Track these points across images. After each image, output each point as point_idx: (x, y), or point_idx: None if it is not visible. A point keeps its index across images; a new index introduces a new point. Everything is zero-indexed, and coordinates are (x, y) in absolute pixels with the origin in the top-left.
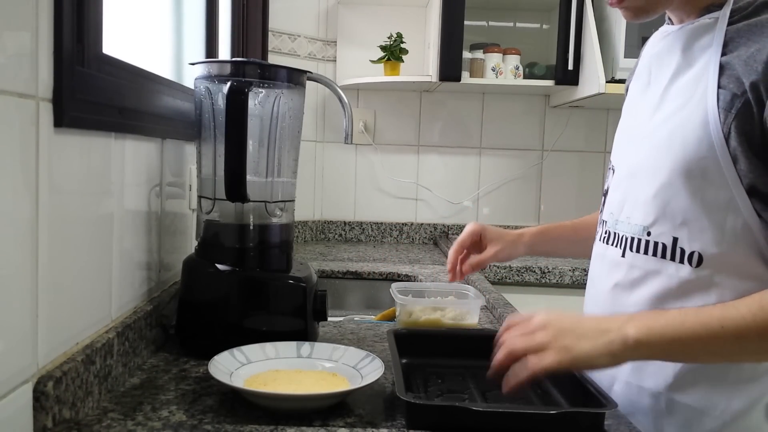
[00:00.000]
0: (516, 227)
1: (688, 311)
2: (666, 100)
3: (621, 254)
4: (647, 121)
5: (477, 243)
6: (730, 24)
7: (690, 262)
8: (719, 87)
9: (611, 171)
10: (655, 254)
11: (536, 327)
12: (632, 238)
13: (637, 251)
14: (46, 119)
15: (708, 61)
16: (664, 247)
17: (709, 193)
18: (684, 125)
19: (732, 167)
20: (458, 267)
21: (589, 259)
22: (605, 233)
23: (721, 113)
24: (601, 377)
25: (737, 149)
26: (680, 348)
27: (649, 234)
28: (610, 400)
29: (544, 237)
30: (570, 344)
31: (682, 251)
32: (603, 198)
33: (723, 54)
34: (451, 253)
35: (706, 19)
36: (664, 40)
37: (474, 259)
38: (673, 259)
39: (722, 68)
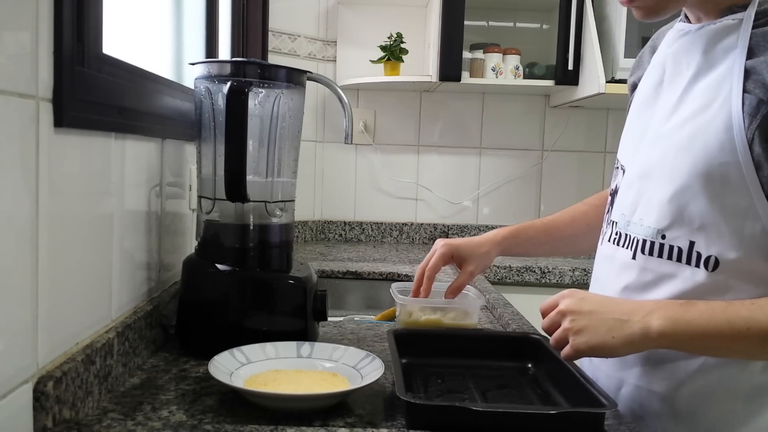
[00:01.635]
0: None
1: (716, 306)
2: (685, 101)
3: (632, 256)
4: (663, 121)
5: (449, 262)
6: (755, 27)
7: (706, 266)
8: (744, 91)
9: (620, 171)
10: (670, 257)
11: (560, 313)
12: (644, 241)
13: (650, 254)
14: (46, 119)
15: (732, 64)
16: (680, 250)
17: (729, 198)
18: (706, 128)
19: (754, 173)
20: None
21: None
22: (615, 234)
23: (746, 118)
24: (608, 380)
25: (761, 155)
26: (703, 343)
27: (663, 237)
28: (610, 400)
29: (516, 240)
30: (590, 335)
31: (699, 255)
32: (610, 198)
33: (748, 57)
34: (424, 278)
35: (729, 20)
36: (682, 39)
37: (452, 285)
38: (689, 263)
39: (748, 72)
